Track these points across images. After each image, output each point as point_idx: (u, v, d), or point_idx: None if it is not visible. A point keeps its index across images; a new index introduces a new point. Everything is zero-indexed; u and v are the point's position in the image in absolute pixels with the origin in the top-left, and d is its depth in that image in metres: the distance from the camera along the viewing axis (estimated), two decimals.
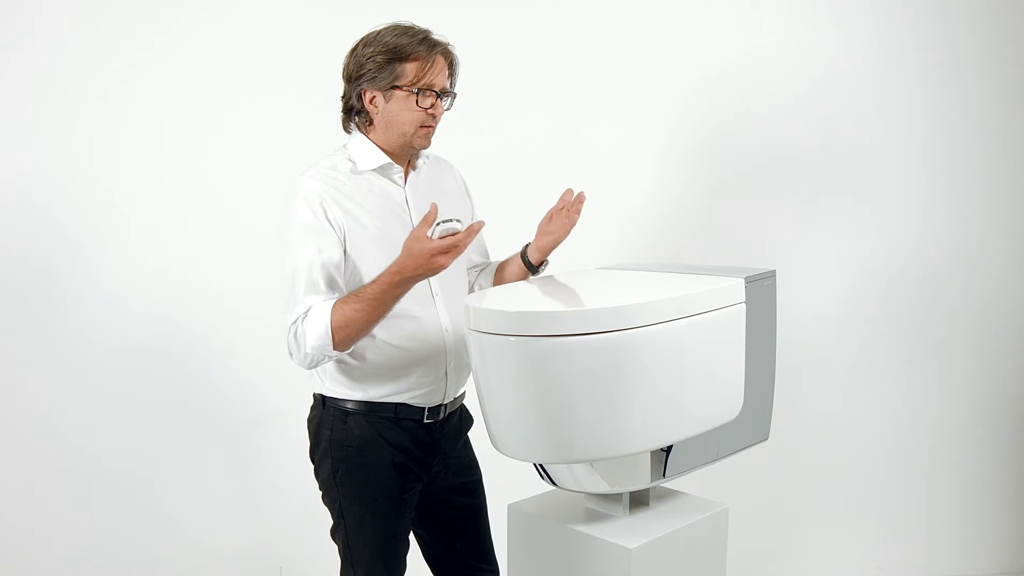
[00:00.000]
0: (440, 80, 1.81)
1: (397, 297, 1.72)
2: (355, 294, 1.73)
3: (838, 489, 3.07)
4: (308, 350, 1.73)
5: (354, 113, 1.87)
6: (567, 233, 2.01)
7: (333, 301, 1.73)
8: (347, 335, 1.72)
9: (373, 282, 1.72)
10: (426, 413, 1.90)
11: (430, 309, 1.87)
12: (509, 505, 2.02)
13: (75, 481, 2.83)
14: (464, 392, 2.02)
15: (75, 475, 2.83)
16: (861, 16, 2.93)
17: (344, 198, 1.79)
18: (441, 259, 1.65)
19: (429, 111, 1.80)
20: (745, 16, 2.92)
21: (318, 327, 1.72)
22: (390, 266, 1.71)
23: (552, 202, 2.02)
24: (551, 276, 2.07)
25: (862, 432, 3.06)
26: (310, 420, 1.95)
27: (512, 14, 2.86)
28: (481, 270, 2.13)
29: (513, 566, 2.01)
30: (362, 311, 1.70)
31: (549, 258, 2.06)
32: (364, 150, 1.85)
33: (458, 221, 1.69)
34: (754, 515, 2.95)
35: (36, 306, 2.76)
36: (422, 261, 1.65)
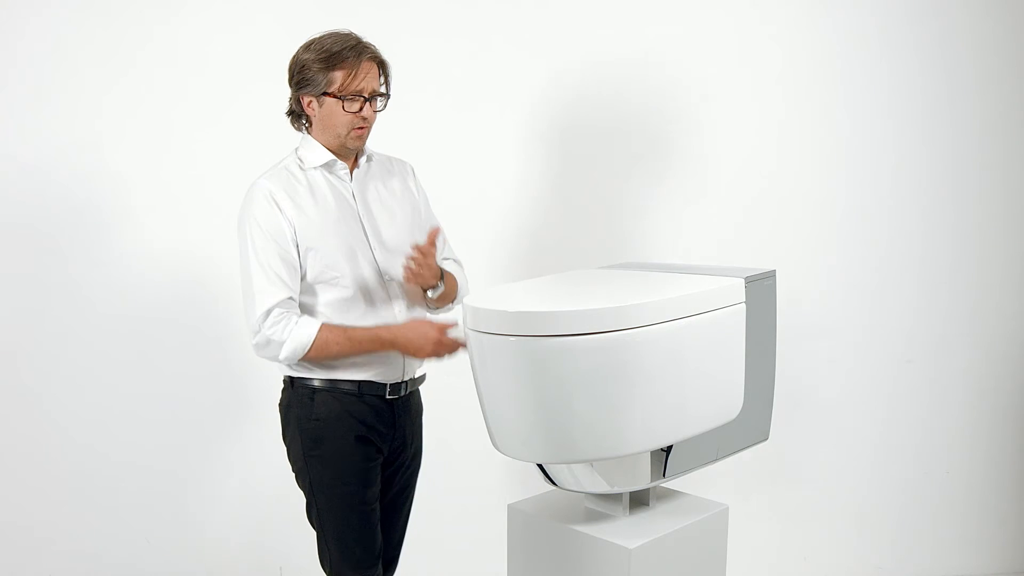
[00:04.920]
0: (368, 84, 1.92)
1: (377, 352, 1.94)
2: (344, 331, 1.89)
3: (838, 489, 3.07)
4: (282, 356, 1.89)
5: (297, 116, 2.00)
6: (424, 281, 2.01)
7: (319, 322, 1.89)
8: (318, 356, 1.90)
9: (365, 330, 1.91)
10: (388, 389, 1.99)
11: (380, 291, 1.98)
12: (509, 505, 2.02)
13: (74, 480, 2.83)
14: (424, 375, 2.13)
15: (74, 474, 2.82)
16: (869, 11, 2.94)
17: (295, 194, 1.93)
18: (441, 349, 1.91)
19: (358, 114, 1.92)
20: (744, 15, 2.92)
21: (299, 341, 1.87)
22: (392, 328, 1.92)
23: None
24: (551, 276, 2.07)
25: (862, 432, 3.06)
26: (280, 403, 2.04)
27: (509, 15, 2.87)
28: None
29: (513, 566, 2.01)
30: (343, 347, 1.89)
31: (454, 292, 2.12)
32: (311, 149, 1.98)
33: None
34: (754, 515, 2.95)
35: (36, 304, 2.76)
36: (423, 344, 1.90)
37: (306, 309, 1.94)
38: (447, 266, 2.13)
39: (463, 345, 1.87)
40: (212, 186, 2.75)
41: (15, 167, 2.72)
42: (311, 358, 1.89)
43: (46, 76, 2.70)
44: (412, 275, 1.95)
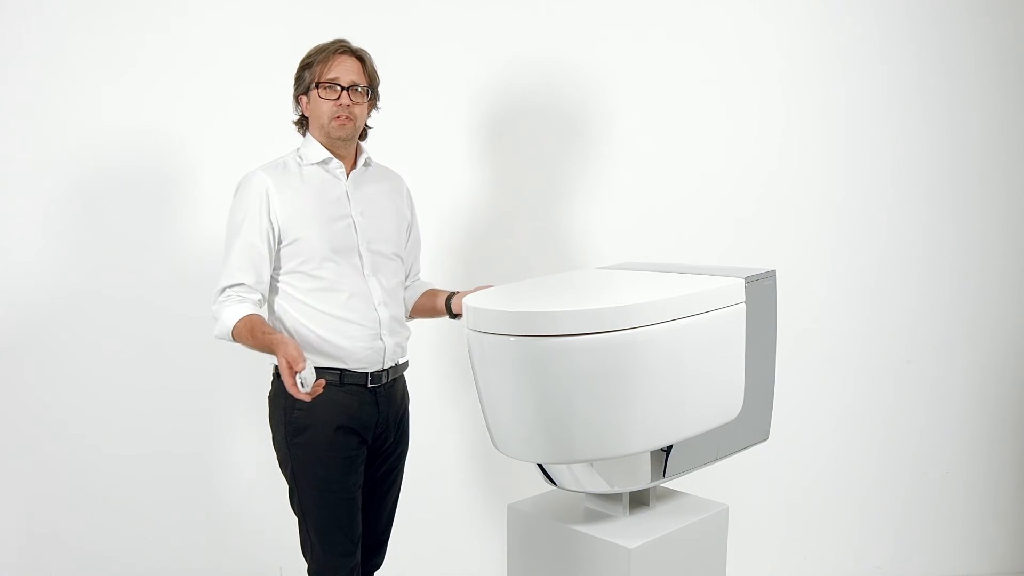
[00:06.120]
0: (346, 76, 2.03)
1: (267, 352, 1.93)
2: (250, 330, 1.92)
3: (838, 489, 3.07)
4: (214, 334, 1.99)
5: (300, 122, 2.14)
6: None
7: (246, 313, 1.95)
8: (239, 342, 1.97)
9: (265, 335, 1.90)
10: (369, 378, 2.05)
11: (362, 284, 2.05)
12: (509, 505, 2.02)
13: (74, 479, 2.82)
14: (407, 362, 2.18)
15: (74, 472, 2.82)
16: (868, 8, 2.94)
17: (287, 187, 2.03)
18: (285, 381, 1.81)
19: (336, 102, 2.02)
20: (744, 15, 2.92)
21: (224, 324, 1.96)
22: (279, 342, 1.85)
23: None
24: (551, 276, 2.07)
25: (862, 432, 3.06)
26: (269, 394, 2.10)
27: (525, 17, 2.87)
28: (412, 283, 2.29)
29: (513, 566, 2.01)
30: (251, 343, 1.93)
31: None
32: (310, 148, 2.10)
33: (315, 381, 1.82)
34: (754, 515, 2.95)
35: (36, 304, 2.77)
36: (281, 353, 1.83)
37: (288, 297, 2.03)
38: (423, 286, 2.28)
39: (302, 397, 1.82)
40: (213, 185, 2.75)
41: (17, 166, 2.73)
42: (236, 341, 1.96)
43: (45, 74, 2.71)
44: None
